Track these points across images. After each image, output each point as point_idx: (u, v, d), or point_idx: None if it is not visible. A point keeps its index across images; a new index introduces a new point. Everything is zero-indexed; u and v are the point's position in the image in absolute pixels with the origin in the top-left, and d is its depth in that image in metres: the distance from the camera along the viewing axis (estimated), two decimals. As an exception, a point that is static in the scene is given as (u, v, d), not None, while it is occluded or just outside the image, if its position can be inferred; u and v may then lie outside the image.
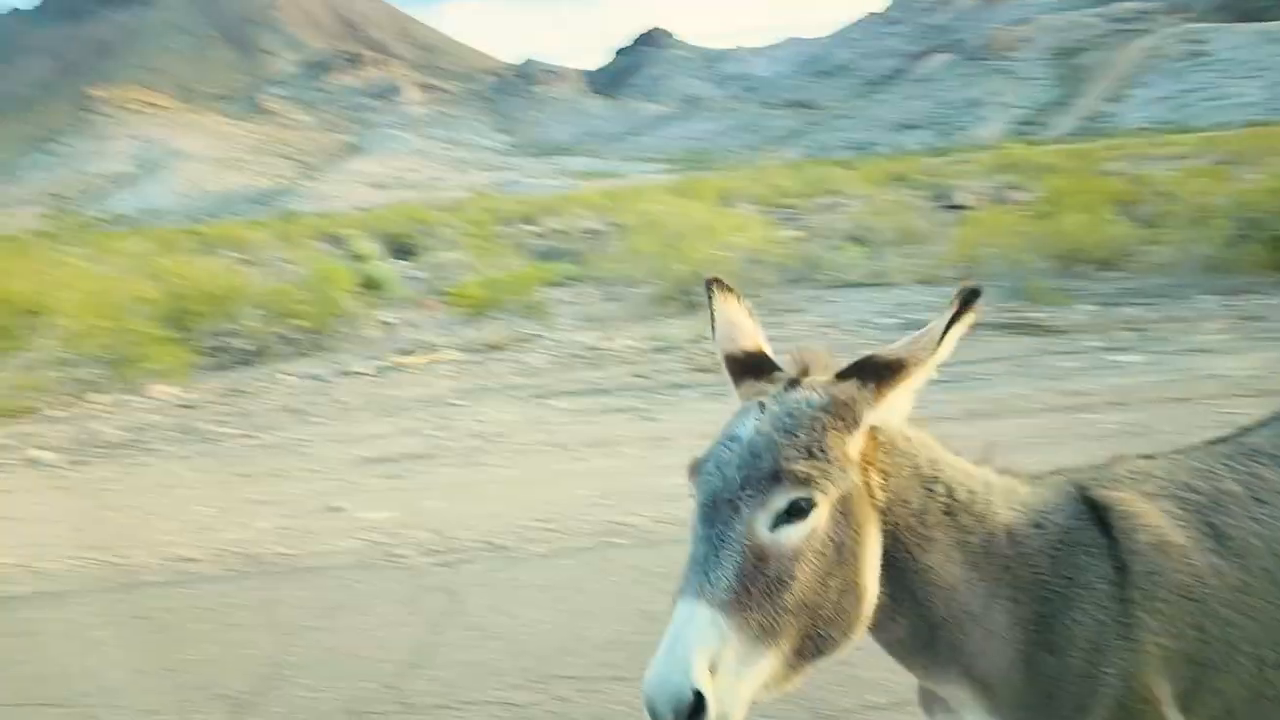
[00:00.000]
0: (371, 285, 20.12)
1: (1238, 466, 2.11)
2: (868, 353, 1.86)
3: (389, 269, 23.58)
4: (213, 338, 15.58)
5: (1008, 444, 6.84)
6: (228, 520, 7.00)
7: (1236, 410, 7.71)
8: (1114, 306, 12.92)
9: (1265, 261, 13.65)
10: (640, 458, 7.91)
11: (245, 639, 4.90)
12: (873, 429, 1.81)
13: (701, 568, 1.63)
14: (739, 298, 2.08)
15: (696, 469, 1.77)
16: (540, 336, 14.50)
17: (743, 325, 2.03)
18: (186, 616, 5.26)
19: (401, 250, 31.60)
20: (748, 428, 1.74)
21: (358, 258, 25.48)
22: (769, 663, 1.65)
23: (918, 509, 1.87)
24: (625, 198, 37.55)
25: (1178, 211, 17.25)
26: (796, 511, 1.67)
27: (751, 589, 1.62)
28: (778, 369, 1.91)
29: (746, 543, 1.64)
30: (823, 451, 1.70)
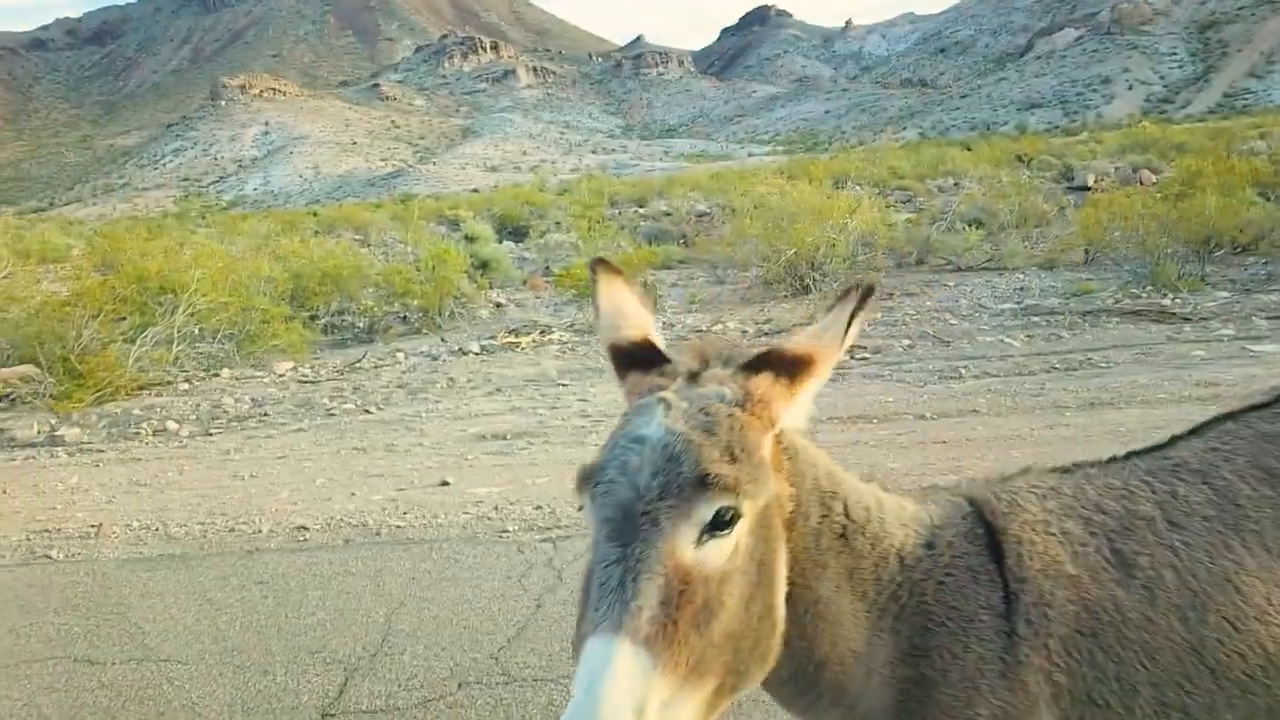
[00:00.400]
0: (483, 266, 20.51)
1: (1157, 485, 1.91)
2: (769, 345, 1.65)
3: (500, 250, 23.97)
4: (331, 316, 16.16)
5: (1133, 434, 6.54)
6: (343, 491, 7.25)
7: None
8: (1251, 293, 12.19)
9: None
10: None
11: (357, 606, 5.06)
12: (779, 433, 1.61)
13: (617, 595, 1.37)
14: (628, 281, 1.83)
15: (590, 478, 1.51)
16: (647, 318, 14.52)
17: (630, 312, 1.77)
18: (302, 582, 5.46)
19: (512, 232, 32.14)
20: (655, 427, 1.49)
21: (470, 239, 25.98)
22: (695, 707, 1.42)
23: (815, 528, 1.68)
24: (734, 180, 37.23)
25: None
26: (720, 524, 1.45)
27: (679, 619, 1.38)
28: (668, 361, 1.68)
29: (669, 563, 1.40)
30: (745, 453, 1.49)
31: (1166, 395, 8.18)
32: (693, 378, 1.60)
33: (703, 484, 1.43)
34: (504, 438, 8.64)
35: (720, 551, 1.45)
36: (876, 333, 11.88)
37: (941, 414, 8.26)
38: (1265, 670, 1.76)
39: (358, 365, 12.86)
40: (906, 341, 11.25)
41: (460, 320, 15.95)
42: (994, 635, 1.71)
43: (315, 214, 46.88)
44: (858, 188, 30.44)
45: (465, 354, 13.05)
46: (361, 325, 15.83)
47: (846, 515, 1.72)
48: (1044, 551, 1.77)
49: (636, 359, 1.69)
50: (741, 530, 1.48)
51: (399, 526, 6.31)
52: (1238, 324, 10.67)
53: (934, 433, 7.68)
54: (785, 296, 15.40)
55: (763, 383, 1.57)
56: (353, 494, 7.17)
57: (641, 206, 38.82)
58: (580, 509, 1.56)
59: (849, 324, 1.59)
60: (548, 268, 22.15)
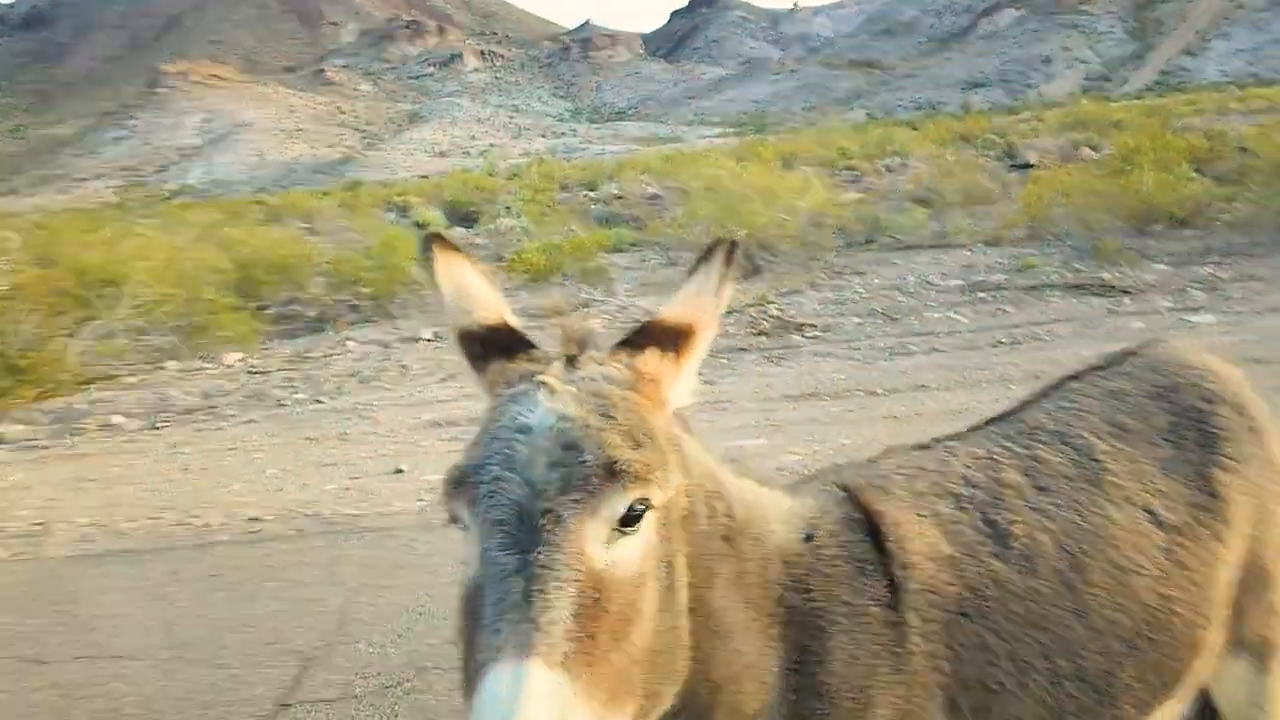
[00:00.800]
0: (433, 253, 20.34)
1: (1018, 450, 1.89)
2: (648, 318, 1.51)
3: (450, 236, 23.79)
4: (280, 306, 15.94)
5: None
6: (295, 482, 7.19)
7: (1317, 372, 7.45)
8: (1188, 266, 12.52)
9: (1352, 218, 13.10)
10: (699, 420, 7.90)
11: (312, 596, 5.04)
12: (667, 415, 1.46)
13: (521, 612, 1.16)
14: (470, 259, 1.61)
15: (466, 479, 1.29)
16: (601, 302, 14.54)
17: (479, 294, 1.56)
18: (256, 574, 5.42)
19: (463, 217, 31.90)
20: (542, 414, 1.30)
21: (420, 225, 25.76)
22: None
23: (704, 530, 1.49)
24: (685, 162, 37.30)
25: (1258, 168, 16.57)
26: (630, 519, 1.28)
27: (598, 633, 1.20)
28: (533, 346, 1.50)
29: (581, 568, 1.21)
30: (648, 437, 1.33)
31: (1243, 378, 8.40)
32: (570, 361, 1.42)
33: (612, 473, 1.25)
34: (458, 424, 8.61)
35: (632, 551, 1.29)
36: (827, 311, 12.03)
37: (891, 390, 8.39)
38: (1149, 624, 1.79)
39: (308, 354, 12.72)
40: (856, 319, 11.40)
41: (412, 307, 15.82)
42: (884, 628, 1.61)
43: (261, 202, 46.10)
44: (807, 168, 30.68)
45: (418, 341, 12.96)
46: (312, 314, 15.64)
47: (730, 515, 1.54)
48: (922, 533, 1.70)
49: (495, 345, 1.49)
50: (650, 526, 1.32)
51: (353, 515, 6.29)
52: (1175, 296, 10.97)
53: (884, 408, 7.81)
54: (737, 278, 15.47)
55: (650, 359, 1.43)
56: (305, 484, 7.12)
57: (592, 190, 38.69)
58: (452, 520, 1.33)
59: (720, 285, 1.49)
60: (499, 253, 22.04)
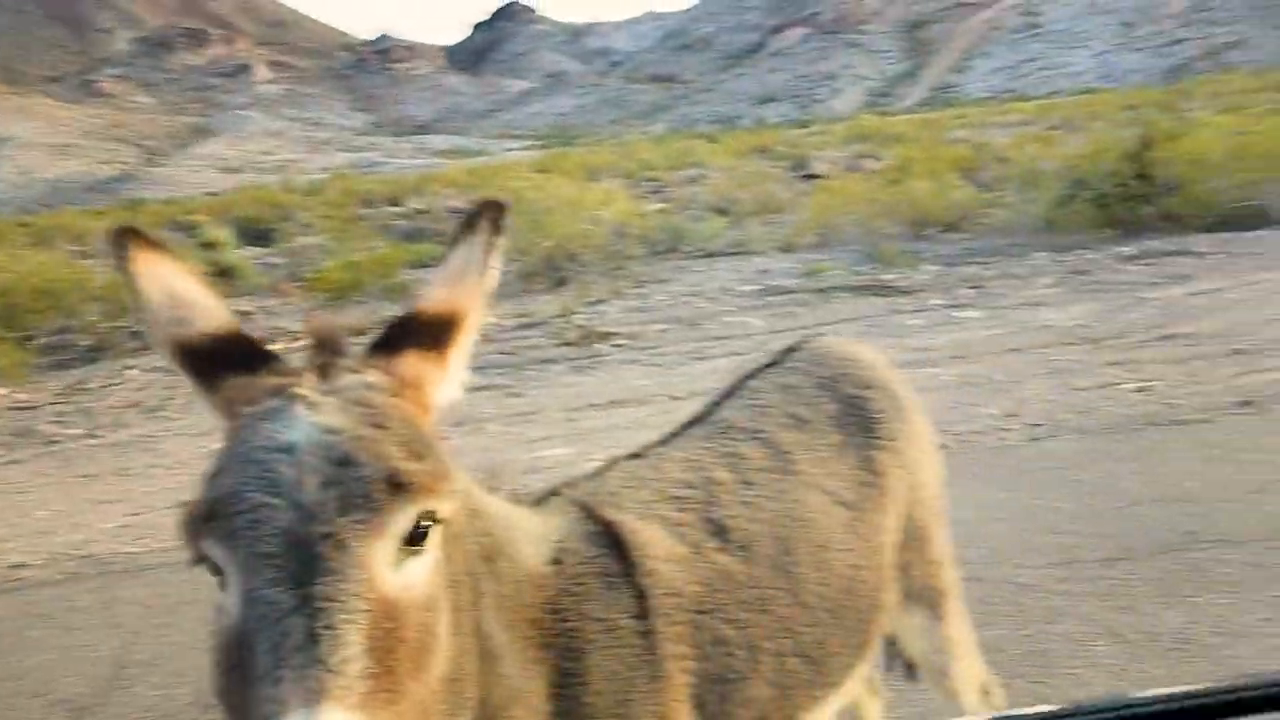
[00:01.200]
0: (224, 273, 19.35)
1: (719, 449, 2.01)
2: (404, 312, 1.35)
3: (243, 256, 22.74)
4: (50, 335, 14.73)
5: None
6: (66, 522, 6.67)
7: (1064, 357, 8.27)
8: (956, 267, 13.56)
9: (1091, 220, 14.57)
10: (505, 434, 7.90)
11: (85, 642, 4.69)
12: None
13: (307, 654, 1.01)
14: (179, 260, 1.38)
15: (216, 512, 1.12)
16: (404, 318, 14.25)
17: (195, 299, 1.34)
18: (21, 624, 5.00)
19: (257, 236, 30.44)
20: (305, 429, 1.15)
21: (208, 245, 24.41)
22: None
23: (469, 549, 1.40)
24: (490, 175, 37.13)
25: (1014, 176, 18.19)
26: (416, 537, 1.17)
27: (396, 666, 1.08)
28: (275, 358, 1.32)
29: (371, 596, 1.08)
30: (427, 446, 1.22)
31: (889, 361, 8.98)
32: (323, 371, 1.26)
33: (395, 486, 1.13)
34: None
35: (422, 571, 1.18)
36: (632, 319, 12.27)
37: (692, 393, 8.65)
38: (845, 594, 1.98)
39: (83, 386, 11.81)
40: (659, 327, 11.69)
41: (200, 331, 14.97)
42: (637, 639, 1.61)
43: (26, 224, 42.37)
44: (610, 180, 31.16)
45: (207, 366, 12.28)
46: (87, 343, 14.52)
47: (489, 534, 1.48)
48: (657, 540, 1.74)
49: (228, 359, 1.29)
50: (436, 542, 1.21)
51: (133, 554, 5.89)
52: (946, 294, 11.85)
53: (686, 411, 8.03)
54: (544, 289, 15.55)
55: (409, 361, 1.30)
56: (79, 524, 6.62)
57: (396, 205, 37.83)
58: (198, 562, 1.16)
59: (487, 257, 1.35)
60: (297, 272, 21.19)
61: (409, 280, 16.91)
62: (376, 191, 44.20)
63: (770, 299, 12.72)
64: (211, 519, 1.12)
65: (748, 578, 1.82)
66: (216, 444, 1.28)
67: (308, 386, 1.22)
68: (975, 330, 9.91)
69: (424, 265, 20.42)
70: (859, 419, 2.20)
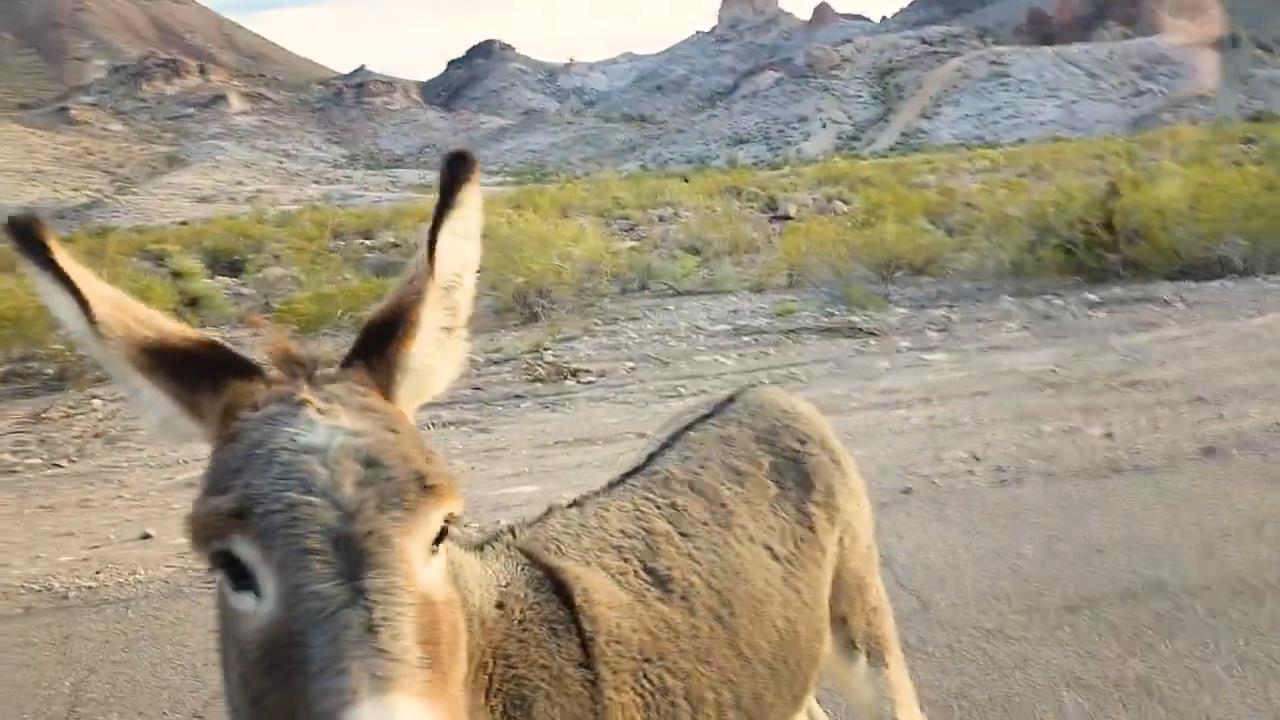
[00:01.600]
0: (193, 303, 19.19)
1: (658, 499, 2.02)
2: (366, 321, 1.37)
3: (212, 286, 22.56)
4: (13, 364, 14.52)
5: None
6: (24, 555, 6.53)
7: (1031, 401, 8.36)
8: (924, 310, 13.71)
9: (1058, 266, 14.80)
10: (473, 470, 7.85)
11: (40, 678, 4.58)
12: None
13: (369, 644, 1.04)
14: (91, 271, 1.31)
15: (251, 508, 1.12)
16: (373, 352, 14.16)
17: (134, 306, 1.32)
18: (-28, 660, 4.87)
19: (227, 266, 30.26)
20: (325, 431, 1.18)
21: (178, 275, 24.20)
22: None
23: None
24: (463, 210, 37.04)
25: (982, 221, 18.48)
26: (440, 537, 1.22)
27: (441, 657, 1.12)
28: (256, 366, 1.31)
29: (415, 589, 1.13)
30: (433, 451, 1.26)
31: (857, 403, 9.04)
32: (310, 379, 1.28)
33: (425, 488, 1.17)
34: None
35: (442, 570, 1.22)
36: (602, 356, 12.28)
37: (661, 432, 8.66)
38: (781, 646, 2.00)
39: (45, 415, 11.62)
40: (630, 364, 11.70)
41: (167, 362, 14.80)
42: (582, 687, 1.61)
43: (-10, 250, 41.79)
44: (584, 217, 31.32)
45: (172, 397, 12.13)
46: (51, 371, 14.31)
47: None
48: (600, 587, 1.74)
49: (213, 364, 1.28)
50: (448, 545, 1.25)
51: (90, 587, 5.77)
52: (914, 337, 11.97)
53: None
54: (515, 324, 15.55)
55: (372, 368, 1.32)
56: (37, 557, 6.47)
57: (368, 238, 37.77)
58: (220, 564, 1.16)
59: (433, 237, 1.31)
60: (267, 303, 21.06)
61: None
62: (349, 224, 44.20)
63: (741, 338, 12.79)
64: (242, 517, 1.12)
65: (689, 628, 1.83)
66: (206, 452, 1.28)
67: (308, 392, 1.24)
68: (943, 373, 10.00)
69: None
70: (795, 473, 2.23)
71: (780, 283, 17.68)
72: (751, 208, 33.02)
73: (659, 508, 1.99)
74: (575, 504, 1.99)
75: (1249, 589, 4.15)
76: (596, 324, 14.79)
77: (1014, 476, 5.94)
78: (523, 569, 1.69)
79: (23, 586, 5.89)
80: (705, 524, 2.01)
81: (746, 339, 12.72)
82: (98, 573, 6.02)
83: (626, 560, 1.84)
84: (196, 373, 1.27)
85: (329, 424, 1.18)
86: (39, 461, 9.48)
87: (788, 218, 27.77)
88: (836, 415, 8.62)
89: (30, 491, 8.41)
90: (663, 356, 12.01)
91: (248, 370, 1.30)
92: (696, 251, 22.25)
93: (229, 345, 1.32)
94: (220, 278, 26.83)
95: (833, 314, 13.78)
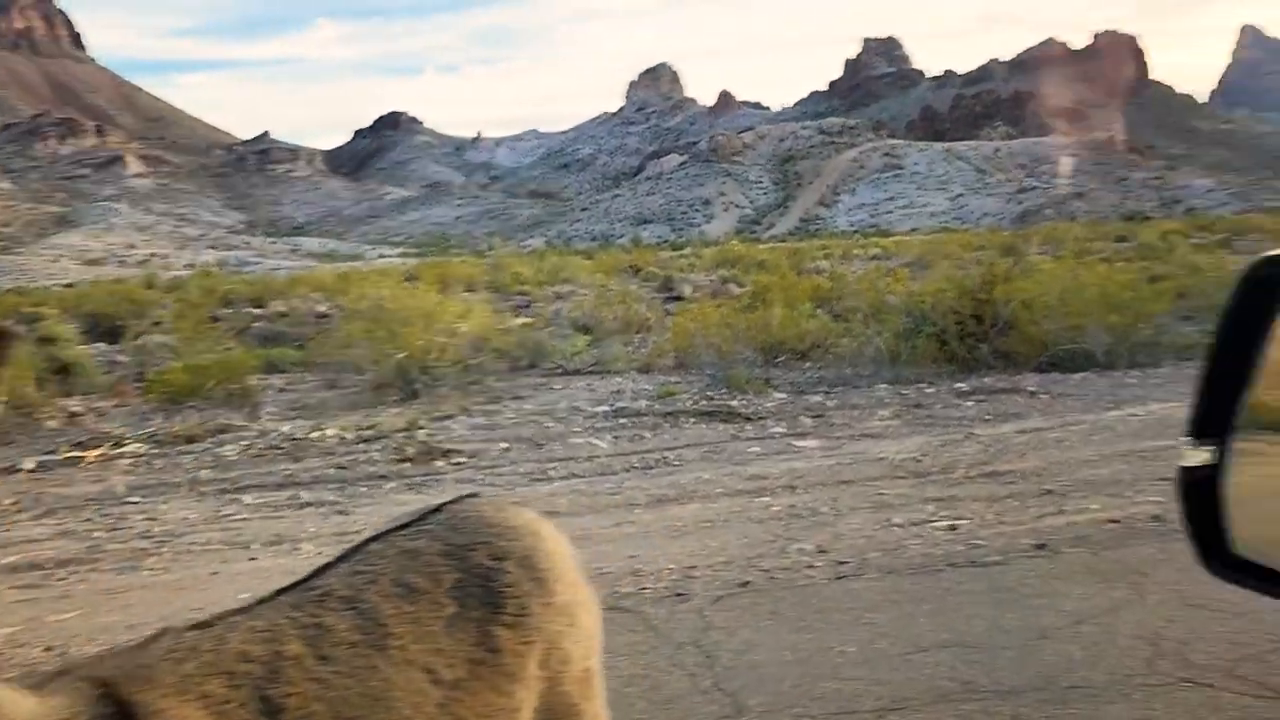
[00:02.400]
0: (63, 370, 18.31)
1: (304, 619, 1.90)
2: None
3: (84, 353, 21.61)
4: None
5: (687, 529, 7.13)
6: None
7: (891, 490, 8.49)
8: (803, 395, 13.93)
9: (930, 354, 15.27)
10: (318, 554, 7.53)
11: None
12: None
13: None
14: None
15: None
16: (242, 426, 13.65)
17: None
18: None
19: (106, 331, 29.11)
20: None
21: (47, 340, 23.11)
22: None
23: None
24: (360, 280, 36.62)
25: (863, 307, 19.02)
26: None
27: None
28: None
29: None
30: None
31: (723, 489, 9.03)
32: None
33: None
34: (42, 568, 7.59)
35: None
36: (476, 437, 12.07)
37: (525, 516, 8.49)
38: None
39: None
40: (503, 445, 11.52)
41: (20, 433, 13.98)
42: None
43: None
44: (482, 293, 31.22)
45: (16, 472, 11.43)
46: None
47: None
48: (185, 717, 1.63)
49: None
50: None
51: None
52: (788, 422, 12.11)
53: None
54: (395, 401, 15.24)
55: None
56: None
57: (259, 306, 36.87)
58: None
59: None
60: (141, 372, 20.22)
61: (254, 385, 16.34)
62: (240, 291, 43.08)
63: (619, 420, 12.74)
64: None
65: None
66: None
67: None
68: (812, 460, 10.10)
69: (279, 370, 19.85)
70: (483, 592, 2.08)
71: (668, 364, 17.79)
72: (648, 287, 33.43)
73: (300, 628, 1.85)
74: (200, 625, 1.84)
75: (1058, 692, 4.19)
76: (477, 402, 14.59)
77: (854, 570, 5.95)
78: (91, 704, 1.55)
79: None
80: (352, 645, 1.86)
81: (624, 421, 12.68)
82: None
83: (236, 687, 1.71)
84: None
85: None
86: None
87: (679, 298, 28.19)
88: (703, 501, 8.59)
89: None
90: (538, 438, 11.87)
91: None
92: (589, 330, 22.32)
93: None
94: (98, 344, 25.78)
95: (713, 397, 13.88)
